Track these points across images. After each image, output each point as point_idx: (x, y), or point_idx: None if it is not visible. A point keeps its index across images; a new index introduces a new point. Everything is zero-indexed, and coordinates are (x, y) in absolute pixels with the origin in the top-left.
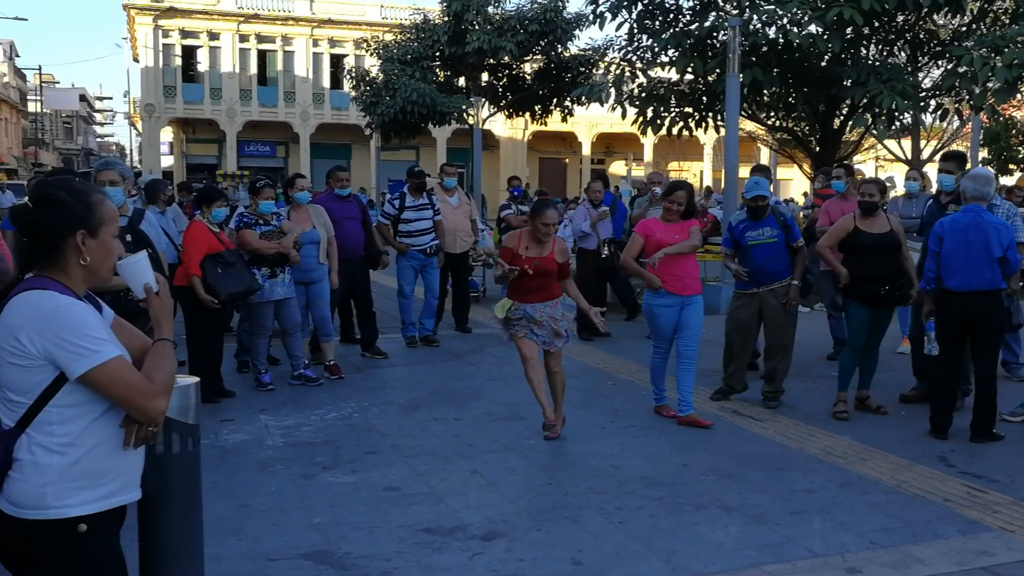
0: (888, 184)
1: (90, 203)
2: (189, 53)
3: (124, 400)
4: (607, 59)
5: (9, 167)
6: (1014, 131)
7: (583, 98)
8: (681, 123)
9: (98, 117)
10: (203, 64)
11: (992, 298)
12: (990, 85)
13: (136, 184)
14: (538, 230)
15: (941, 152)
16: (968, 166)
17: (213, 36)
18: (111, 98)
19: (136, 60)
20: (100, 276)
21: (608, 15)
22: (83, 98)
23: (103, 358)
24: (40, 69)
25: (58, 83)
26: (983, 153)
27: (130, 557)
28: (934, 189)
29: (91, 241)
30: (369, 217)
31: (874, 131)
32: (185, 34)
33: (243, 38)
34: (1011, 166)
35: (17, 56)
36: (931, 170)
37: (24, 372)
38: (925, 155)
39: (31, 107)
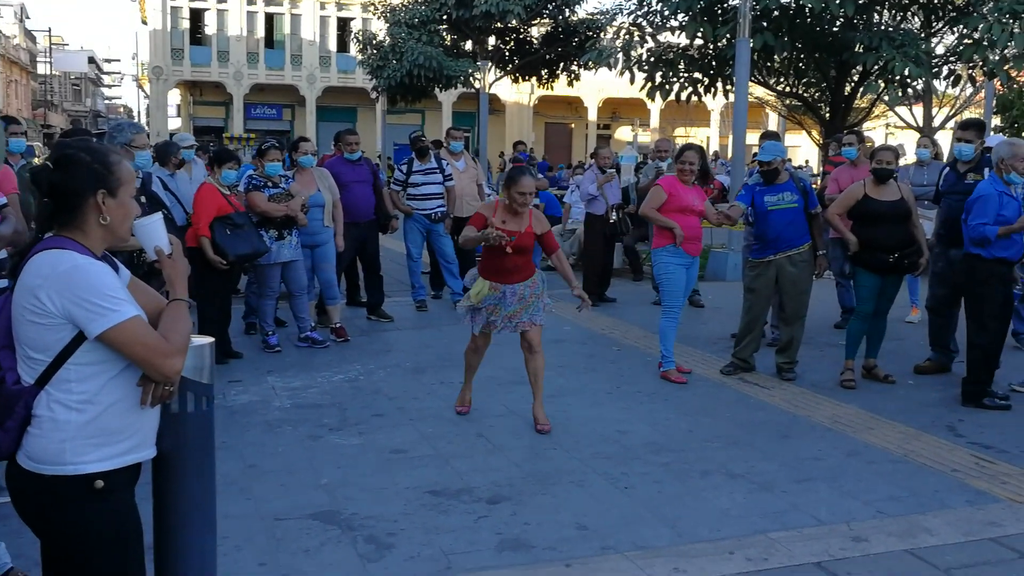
0: (899, 151)
1: (109, 163)
2: (197, 16)
3: (141, 359)
4: (615, 23)
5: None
6: None
7: (591, 63)
8: (690, 88)
9: (106, 79)
10: (211, 27)
11: None
12: (1008, 52)
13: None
14: (514, 199)
15: (953, 119)
16: (991, 134)
17: None
18: (119, 60)
19: (144, 23)
20: (119, 236)
21: None
22: (92, 60)
23: (121, 317)
24: (50, 31)
25: (67, 45)
26: (996, 120)
27: (144, 514)
28: (945, 157)
29: (111, 201)
30: (380, 181)
31: (885, 98)
32: None
33: (250, 1)
34: None
35: (27, 18)
36: (942, 137)
37: (43, 330)
38: (937, 123)
39: (40, 69)
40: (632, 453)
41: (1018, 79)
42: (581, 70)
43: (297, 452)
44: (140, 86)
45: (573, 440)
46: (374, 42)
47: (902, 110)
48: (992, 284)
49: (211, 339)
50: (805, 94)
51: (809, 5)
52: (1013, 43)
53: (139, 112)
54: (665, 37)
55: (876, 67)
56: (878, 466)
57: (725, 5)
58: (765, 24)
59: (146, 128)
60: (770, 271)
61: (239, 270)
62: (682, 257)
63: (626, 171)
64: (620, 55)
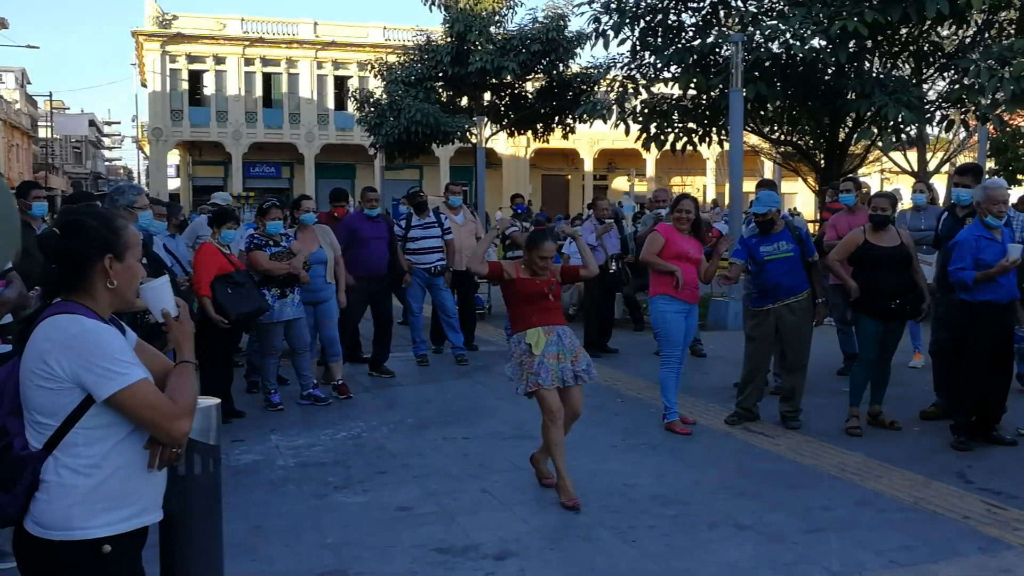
0: (896, 197)
1: (116, 228)
2: (196, 77)
3: (149, 422)
4: (609, 76)
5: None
6: (1021, 141)
7: (586, 115)
8: (685, 138)
9: (107, 141)
10: (209, 88)
11: None
12: (998, 96)
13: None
14: (535, 263)
15: (948, 164)
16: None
17: (219, 60)
18: (119, 122)
19: (144, 85)
20: (126, 299)
21: (611, 33)
22: (92, 123)
23: (129, 380)
24: (51, 96)
25: (68, 109)
26: (990, 164)
27: None
28: (941, 202)
29: (118, 265)
30: (395, 237)
31: (879, 143)
32: (192, 59)
33: (248, 61)
34: (1019, 176)
35: (28, 83)
36: (937, 182)
37: (52, 395)
38: (931, 167)
39: (41, 132)
40: (639, 506)
41: (1011, 122)
42: (576, 123)
43: (302, 511)
44: (140, 147)
45: (579, 494)
46: (371, 100)
47: (897, 155)
48: (975, 327)
49: (217, 400)
50: (800, 141)
51: (800, 55)
52: (1002, 88)
53: (139, 173)
54: (659, 88)
55: (869, 113)
56: (888, 515)
57: (717, 56)
58: (757, 74)
59: (146, 189)
60: (770, 320)
61: (241, 329)
62: (678, 304)
63: (627, 220)
64: (614, 107)
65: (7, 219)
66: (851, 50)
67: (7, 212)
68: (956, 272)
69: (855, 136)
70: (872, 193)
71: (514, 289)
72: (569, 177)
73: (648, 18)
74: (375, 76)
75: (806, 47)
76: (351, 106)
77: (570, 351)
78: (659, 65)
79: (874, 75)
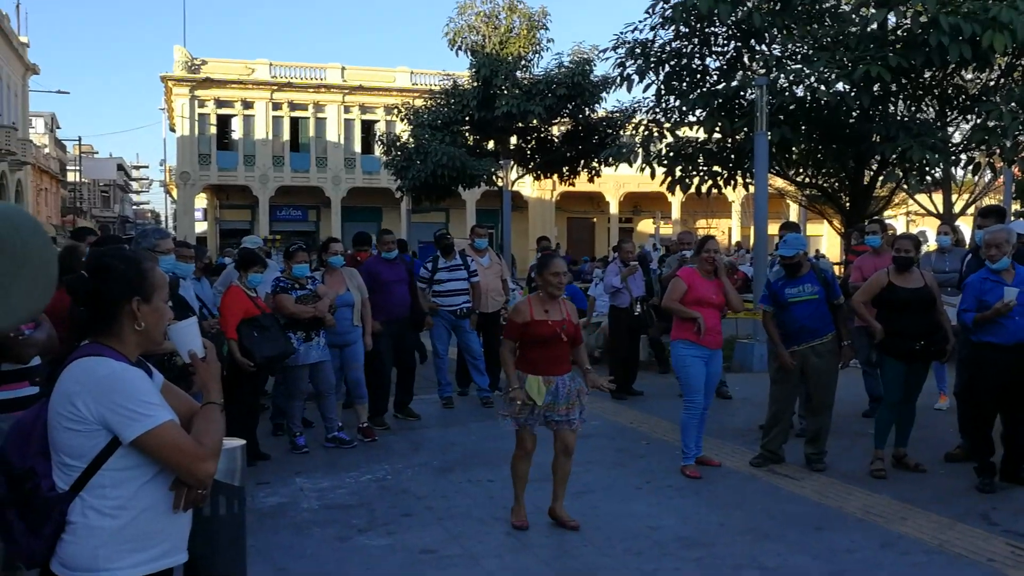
0: (920, 239)
1: (143, 270)
2: (224, 121)
3: (175, 463)
4: (635, 120)
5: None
6: None
7: (611, 159)
8: (710, 181)
9: (135, 185)
10: (237, 132)
11: None
12: (1021, 139)
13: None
14: (548, 282)
15: (974, 206)
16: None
17: (247, 105)
18: (147, 167)
19: (172, 130)
20: (153, 340)
21: (635, 77)
22: (120, 167)
23: (155, 422)
24: (80, 140)
25: (96, 153)
26: (1016, 206)
27: None
28: (967, 243)
29: (145, 307)
30: (415, 279)
31: (905, 186)
32: (220, 103)
33: (276, 106)
34: None
35: (58, 128)
36: (963, 224)
37: (80, 437)
38: (957, 209)
39: (70, 177)
40: (664, 549)
41: None
42: (601, 166)
43: (327, 554)
44: (168, 191)
45: (604, 536)
46: (398, 143)
47: (922, 198)
48: (982, 368)
49: (242, 441)
50: (824, 184)
51: (825, 99)
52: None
53: (166, 216)
54: (684, 132)
55: (894, 156)
56: (913, 557)
57: (742, 100)
58: (782, 117)
59: (172, 233)
60: (795, 362)
61: (268, 372)
62: (699, 350)
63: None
64: (639, 150)
65: (47, 264)
66: (875, 94)
67: (47, 259)
68: (961, 314)
69: (880, 179)
70: (897, 235)
71: (529, 332)
72: (595, 220)
73: (673, 62)
74: (402, 120)
75: (830, 91)
76: (378, 150)
77: (565, 400)
78: (684, 109)
79: (898, 118)
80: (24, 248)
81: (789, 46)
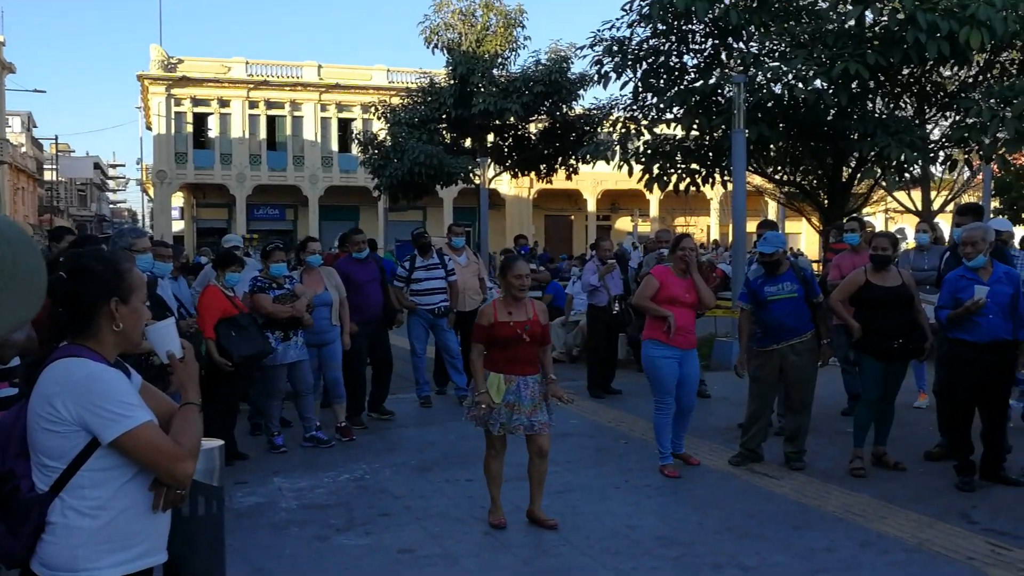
0: (899, 236)
1: (121, 271)
2: (200, 120)
3: (154, 464)
4: (612, 117)
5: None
6: None
7: (588, 156)
8: (688, 179)
9: (111, 184)
10: (214, 130)
11: None
12: (1000, 136)
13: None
14: (511, 284)
15: (953, 203)
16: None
17: (224, 103)
18: (124, 165)
19: (149, 128)
20: (132, 341)
21: (613, 75)
22: (97, 166)
23: (134, 423)
24: (56, 139)
25: (73, 152)
26: (995, 203)
27: None
28: (946, 241)
29: (123, 308)
30: (386, 278)
31: (883, 183)
32: (196, 102)
33: (252, 104)
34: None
35: (34, 127)
36: (942, 221)
37: (58, 438)
38: (936, 206)
39: (47, 176)
40: (642, 548)
41: (1015, 161)
42: (579, 163)
43: (305, 554)
44: (144, 190)
45: (582, 536)
46: (375, 142)
47: (901, 195)
48: (955, 365)
49: (221, 442)
50: (803, 182)
51: (802, 96)
52: (1004, 128)
53: (143, 215)
54: (661, 129)
55: (872, 153)
56: (892, 556)
57: (719, 97)
58: (760, 115)
59: (149, 232)
60: (774, 360)
61: (246, 372)
62: (670, 350)
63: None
64: (617, 148)
65: (35, 275)
66: (853, 91)
67: (35, 268)
68: (938, 311)
69: (859, 176)
70: (875, 232)
71: (492, 334)
72: (572, 218)
73: (650, 60)
74: (379, 118)
75: (808, 88)
76: (355, 148)
77: (529, 402)
78: (661, 106)
79: (876, 115)
80: (14, 259)
81: (767, 43)
